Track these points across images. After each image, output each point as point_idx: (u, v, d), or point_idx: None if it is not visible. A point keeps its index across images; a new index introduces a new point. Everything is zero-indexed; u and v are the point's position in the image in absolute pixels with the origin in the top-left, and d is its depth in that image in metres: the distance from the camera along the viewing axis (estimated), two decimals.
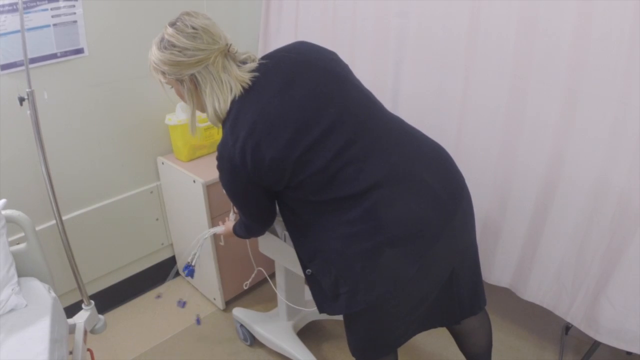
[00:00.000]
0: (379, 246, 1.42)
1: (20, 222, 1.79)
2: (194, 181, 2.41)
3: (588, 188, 1.83)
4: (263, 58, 1.53)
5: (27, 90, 1.80)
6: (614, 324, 1.88)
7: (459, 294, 1.69)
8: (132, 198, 2.68)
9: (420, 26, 2.10)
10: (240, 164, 1.41)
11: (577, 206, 1.88)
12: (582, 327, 2.00)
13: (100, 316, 2.14)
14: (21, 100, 1.84)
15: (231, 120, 1.44)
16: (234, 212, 2.09)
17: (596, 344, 2.05)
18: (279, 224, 2.14)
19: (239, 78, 1.44)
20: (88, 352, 1.98)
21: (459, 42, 2.01)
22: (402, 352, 1.94)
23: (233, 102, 1.44)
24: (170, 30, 1.44)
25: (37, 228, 2.00)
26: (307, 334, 2.53)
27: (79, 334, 1.94)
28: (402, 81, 2.26)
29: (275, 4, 2.71)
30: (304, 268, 1.66)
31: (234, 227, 1.95)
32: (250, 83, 1.44)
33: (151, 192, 2.76)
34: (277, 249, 2.08)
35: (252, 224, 1.80)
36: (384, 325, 1.64)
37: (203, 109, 1.52)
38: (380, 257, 1.43)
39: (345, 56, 2.43)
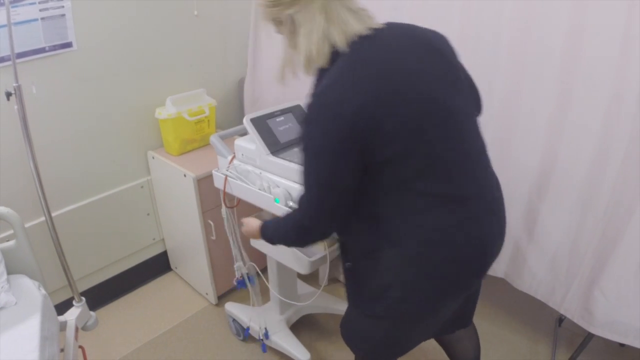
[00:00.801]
0: (453, 262, 1.33)
1: (9, 219, 1.77)
2: (185, 175, 2.40)
3: (581, 180, 1.83)
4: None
5: (14, 85, 1.77)
6: (608, 316, 1.89)
7: (467, 308, 1.69)
8: (122, 193, 2.66)
9: (412, 21, 2.08)
10: (347, 107, 1.18)
11: (570, 198, 1.89)
12: (576, 319, 2.00)
13: (92, 313, 2.12)
14: (8, 95, 1.82)
15: (345, 64, 1.24)
16: (226, 205, 2.06)
17: (589, 336, 2.05)
18: (270, 218, 2.13)
19: (355, 26, 1.25)
20: (80, 349, 1.96)
21: (451, 37, 2.00)
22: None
23: (336, 51, 1.27)
24: None
25: (27, 225, 1.99)
26: (300, 327, 2.52)
27: (70, 331, 1.92)
28: None
29: None
30: (345, 260, 1.52)
31: (266, 227, 1.60)
32: (365, 33, 1.26)
33: (142, 187, 2.74)
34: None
35: (312, 221, 1.37)
36: (406, 336, 1.57)
37: (293, 48, 1.35)
38: (448, 275, 1.34)
39: None
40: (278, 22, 1.33)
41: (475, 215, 1.34)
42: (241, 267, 2.21)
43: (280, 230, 1.52)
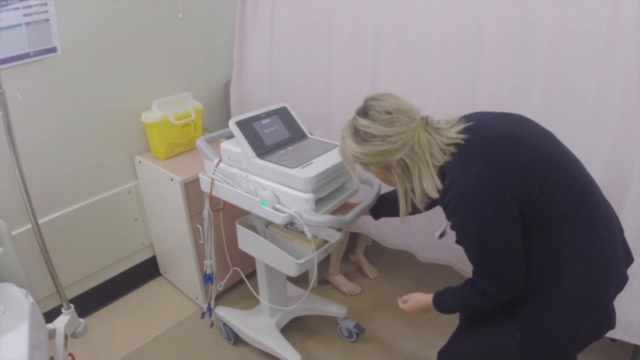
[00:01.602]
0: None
1: None
2: (172, 179, 2.39)
3: None
4: (465, 118, 1.42)
5: None
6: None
7: None
8: (110, 198, 2.65)
9: (396, 20, 2.09)
10: (489, 176, 1.27)
11: None
12: None
13: (81, 320, 2.11)
14: None
15: (467, 155, 1.33)
16: (212, 209, 2.05)
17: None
18: (258, 220, 2.14)
19: (450, 138, 1.34)
20: (69, 357, 1.95)
21: (435, 35, 2.01)
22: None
23: (446, 166, 1.35)
24: (364, 121, 1.36)
25: (14, 232, 1.97)
26: (291, 330, 2.52)
27: (59, 339, 1.91)
28: (379, 78, 2.25)
29: (251, 4, 2.70)
30: (513, 331, 1.42)
31: (441, 300, 1.55)
32: (462, 142, 1.34)
33: (129, 192, 2.73)
34: (257, 245, 2.07)
35: (500, 290, 1.37)
36: None
37: (410, 191, 1.42)
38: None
39: (322, 54, 2.44)
40: (385, 169, 1.40)
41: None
42: (208, 264, 2.26)
43: (464, 303, 1.48)
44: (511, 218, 1.28)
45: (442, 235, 1.58)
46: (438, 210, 1.53)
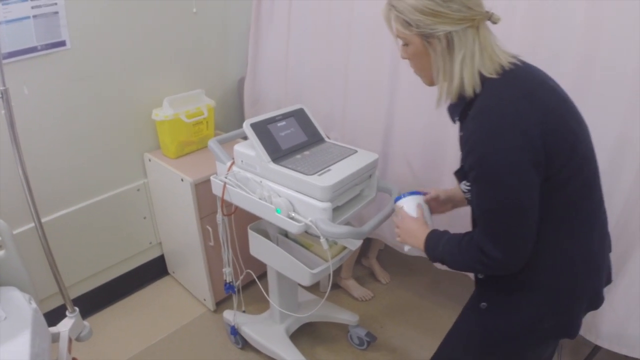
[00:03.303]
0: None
1: None
2: (182, 180, 2.32)
3: None
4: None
5: (1, 88, 1.68)
6: (615, 328, 1.86)
7: None
8: (118, 196, 2.59)
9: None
10: (528, 120, 1.12)
11: None
12: (582, 332, 1.96)
13: (86, 323, 2.05)
14: None
15: (502, 87, 1.19)
16: (223, 213, 1.99)
17: (596, 349, 2.01)
18: (270, 226, 2.06)
19: (501, 56, 1.22)
20: None
21: None
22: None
23: (486, 78, 1.21)
24: None
25: (17, 231, 1.91)
26: (300, 335, 2.46)
27: (63, 343, 1.85)
28: (399, 79, 2.17)
29: (267, 4, 2.62)
30: (480, 300, 1.40)
31: (434, 242, 1.37)
32: (509, 68, 1.21)
33: (138, 190, 2.67)
34: (269, 252, 2.00)
35: (507, 255, 1.20)
36: None
37: (445, 77, 1.24)
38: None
39: (340, 53, 2.37)
40: (425, 37, 1.21)
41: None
42: (227, 272, 2.19)
43: (456, 255, 1.30)
44: (538, 172, 1.14)
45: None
46: (457, 218, 1.45)
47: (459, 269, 1.38)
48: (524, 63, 1.25)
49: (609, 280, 1.40)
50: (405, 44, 1.27)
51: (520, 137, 1.10)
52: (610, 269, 1.40)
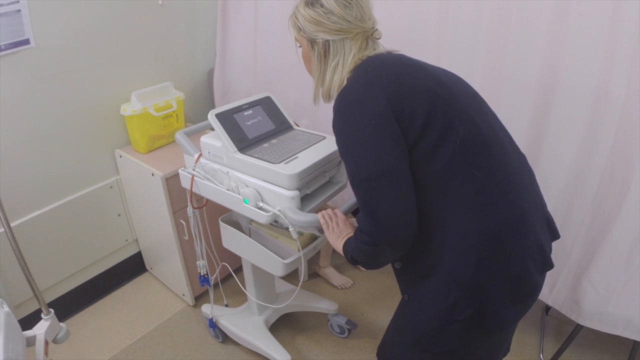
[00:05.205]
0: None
1: None
2: (153, 174, 2.29)
3: (568, 171, 1.80)
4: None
5: None
6: (596, 307, 1.86)
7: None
8: (90, 195, 2.55)
9: (388, 18, 2.00)
10: (374, 85, 1.20)
11: (557, 189, 1.85)
12: (564, 311, 1.96)
13: (62, 324, 2.01)
14: None
15: (362, 71, 1.27)
16: (193, 206, 1.96)
17: (578, 327, 2.01)
18: (241, 218, 2.04)
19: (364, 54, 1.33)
20: None
21: (428, 35, 1.95)
22: None
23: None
24: None
25: None
26: (280, 326, 2.45)
27: (39, 346, 1.82)
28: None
29: (233, 4, 2.60)
30: (402, 292, 1.43)
31: (347, 245, 1.37)
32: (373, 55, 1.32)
33: (111, 187, 2.63)
34: (241, 244, 1.98)
35: (377, 226, 1.18)
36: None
37: (319, 79, 1.41)
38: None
39: None
40: (310, 41, 1.37)
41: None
42: (201, 265, 2.16)
43: (355, 249, 1.30)
44: (393, 137, 1.15)
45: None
46: None
47: (365, 265, 1.37)
48: (400, 54, 1.36)
49: (554, 237, 1.36)
50: (300, 47, 1.43)
51: (368, 105, 1.18)
52: (553, 224, 1.36)
